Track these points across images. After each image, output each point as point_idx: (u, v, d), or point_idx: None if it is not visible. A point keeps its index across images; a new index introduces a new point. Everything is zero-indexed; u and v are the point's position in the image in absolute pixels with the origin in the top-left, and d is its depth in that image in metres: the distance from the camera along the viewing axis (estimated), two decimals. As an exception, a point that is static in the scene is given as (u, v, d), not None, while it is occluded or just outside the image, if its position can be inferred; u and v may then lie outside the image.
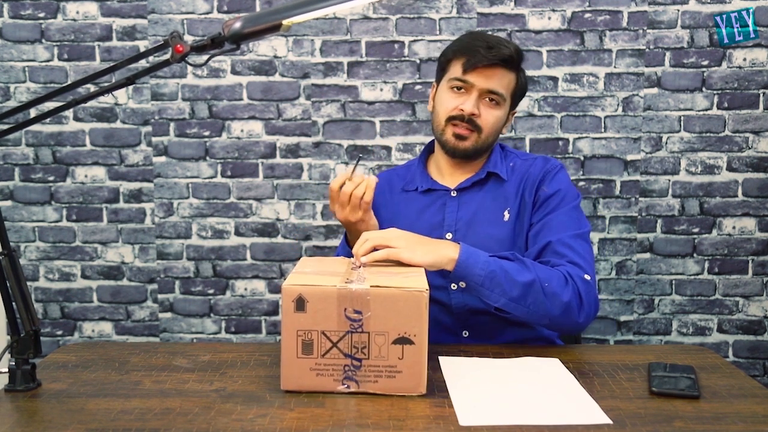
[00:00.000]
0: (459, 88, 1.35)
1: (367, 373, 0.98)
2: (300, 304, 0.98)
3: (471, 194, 1.40)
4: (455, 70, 1.35)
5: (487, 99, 1.34)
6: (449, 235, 1.37)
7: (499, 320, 1.31)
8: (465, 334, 1.36)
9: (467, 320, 1.35)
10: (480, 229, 1.35)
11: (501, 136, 1.43)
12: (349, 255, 1.29)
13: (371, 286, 0.97)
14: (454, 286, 1.33)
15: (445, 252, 1.16)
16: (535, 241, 1.31)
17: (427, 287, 0.98)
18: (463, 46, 1.35)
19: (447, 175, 1.43)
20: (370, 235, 1.17)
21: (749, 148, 2.16)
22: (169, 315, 2.27)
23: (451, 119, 1.35)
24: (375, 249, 1.15)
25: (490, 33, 1.43)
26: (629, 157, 2.18)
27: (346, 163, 2.20)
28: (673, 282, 2.21)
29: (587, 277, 1.22)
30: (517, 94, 1.40)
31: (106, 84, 1.30)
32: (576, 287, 1.20)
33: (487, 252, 1.18)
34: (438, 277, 1.30)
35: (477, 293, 1.17)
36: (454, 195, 1.40)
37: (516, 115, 2.17)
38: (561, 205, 1.32)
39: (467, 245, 1.18)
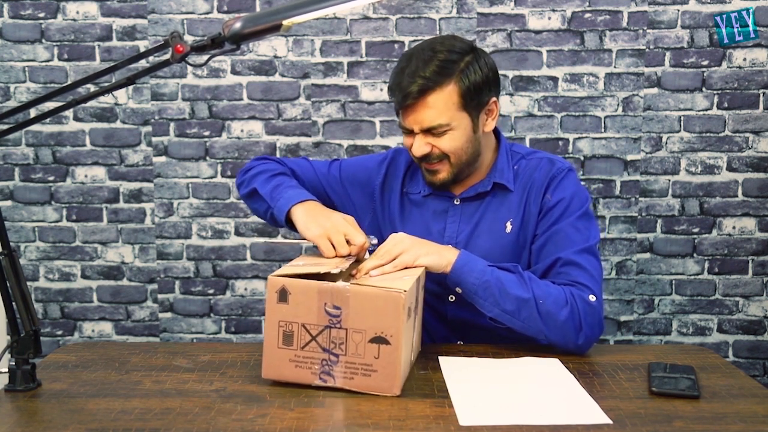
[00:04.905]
0: (407, 132, 1.28)
1: (344, 369, 0.99)
2: (283, 295, 0.99)
3: (474, 205, 1.34)
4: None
5: (430, 134, 1.24)
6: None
7: (494, 336, 1.29)
8: (460, 343, 1.34)
9: (462, 332, 1.34)
10: (481, 242, 1.31)
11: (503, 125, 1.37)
12: None
13: (352, 284, 0.98)
14: (451, 298, 1.30)
15: (446, 253, 1.18)
16: (539, 255, 1.26)
17: (407, 289, 0.98)
18: (390, 85, 1.26)
19: None
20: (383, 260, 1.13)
21: (749, 148, 2.16)
22: (169, 315, 2.27)
23: (417, 160, 1.30)
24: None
25: (416, 56, 1.22)
26: (629, 157, 2.18)
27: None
28: (673, 282, 2.21)
29: (592, 298, 1.18)
30: (472, 94, 1.23)
31: (106, 84, 1.30)
32: (576, 309, 1.16)
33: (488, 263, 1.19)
34: (436, 287, 1.28)
35: (471, 300, 1.18)
36: (457, 203, 1.34)
37: (516, 115, 2.19)
38: (565, 215, 1.26)
39: (467, 253, 1.19)
